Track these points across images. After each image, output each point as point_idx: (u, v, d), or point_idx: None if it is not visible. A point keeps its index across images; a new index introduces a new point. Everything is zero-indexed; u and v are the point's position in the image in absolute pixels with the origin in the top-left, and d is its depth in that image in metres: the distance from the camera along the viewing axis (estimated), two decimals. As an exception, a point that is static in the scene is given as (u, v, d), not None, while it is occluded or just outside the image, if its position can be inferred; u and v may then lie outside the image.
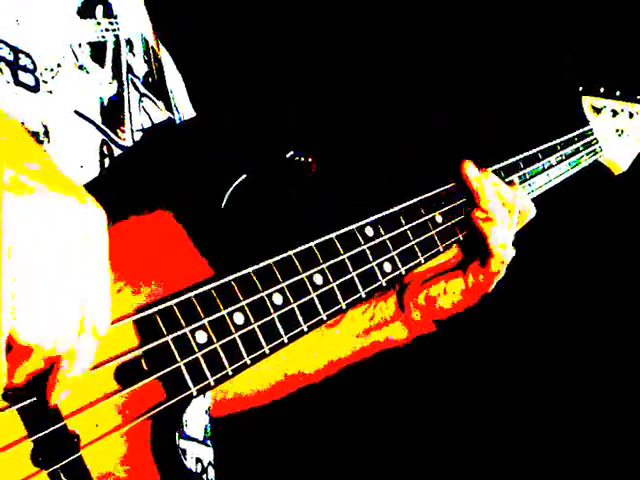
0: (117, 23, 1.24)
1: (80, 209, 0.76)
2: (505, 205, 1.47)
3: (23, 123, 1.03)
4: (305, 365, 1.53)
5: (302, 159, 1.26)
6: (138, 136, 1.22)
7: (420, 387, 2.76)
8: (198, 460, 1.23)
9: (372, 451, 2.73)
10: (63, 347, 0.77)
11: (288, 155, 1.25)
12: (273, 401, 1.56)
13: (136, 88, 1.26)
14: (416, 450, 2.79)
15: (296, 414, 2.41)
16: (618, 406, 2.84)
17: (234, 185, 1.12)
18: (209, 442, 1.29)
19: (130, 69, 1.25)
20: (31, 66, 1.06)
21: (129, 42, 1.27)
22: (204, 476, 1.24)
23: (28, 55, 1.06)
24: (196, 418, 1.26)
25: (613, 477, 2.82)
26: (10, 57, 1.03)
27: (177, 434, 1.03)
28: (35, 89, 1.05)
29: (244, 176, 1.14)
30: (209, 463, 1.27)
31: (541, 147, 1.70)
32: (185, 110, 1.49)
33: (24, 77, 1.05)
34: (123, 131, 1.18)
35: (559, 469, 2.83)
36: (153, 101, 1.29)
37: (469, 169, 1.46)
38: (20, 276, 0.71)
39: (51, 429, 0.90)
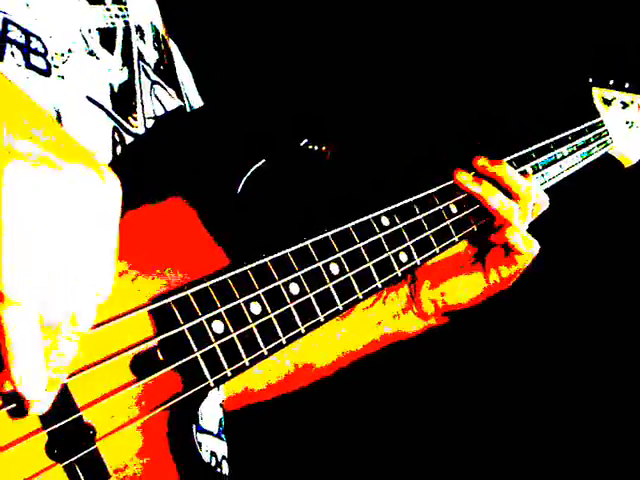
0: (126, 9, 1.22)
1: (97, 181, 0.72)
2: (519, 195, 1.45)
3: None
4: (316, 358, 1.51)
5: (316, 148, 1.24)
6: (150, 123, 1.19)
7: (424, 386, 2.74)
8: (212, 454, 1.21)
9: (381, 445, 2.71)
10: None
11: (302, 143, 1.22)
12: (285, 395, 1.54)
13: (147, 75, 1.23)
14: (419, 449, 2.77)
15: (307, 411, 2.39)
16: (618, 406, 2.83)
17: (253, 169, 1.10)
18: (223, 436, 1.27)
19: (141, 55, 1.23)
20: (42, 50, 1.03)
21: (139, 29, 1.25)
22: (218, 470, 1.22)
23: (39, 38, 1.03)
24: (211, 411, 1.24)
25: (613, 477, 2.81)
26: (22, 40, 1.01)
27: (194, 426, 1.00)
28: (47, 73, 1.03)
29: (263, 160, 1.11)
30: (223, 457, 1.25)
31: (553, 138, 1.68)
32: (194, 100, 1.46)
33: (36, 60, 1.02)
34: (135, 118, 1.16)
35: (559, 469, 2.82)
36: (164, 88, 1.27)
37: (462, 177, 1.44)
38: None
39: (66, 421, 0.88)
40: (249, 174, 1.10)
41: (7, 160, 0.65)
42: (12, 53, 0.99)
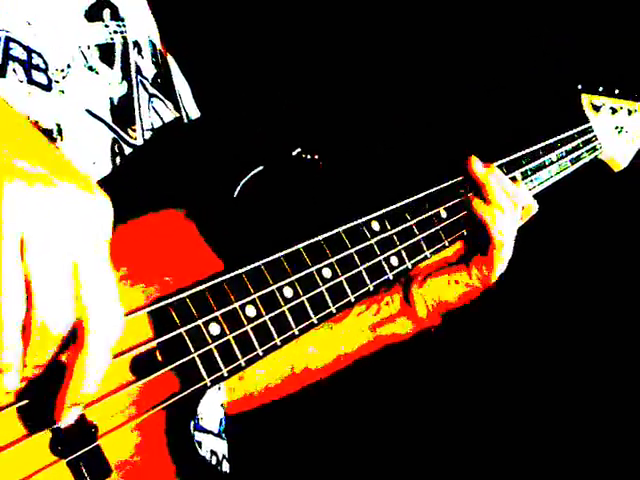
0: (124, 26, 1.26)
1: (88, 199, 0.77)
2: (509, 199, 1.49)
3: (37, 121, 1.05)
4: (312, 361, 1.55)
5: (309, 157, 1.28)
6: (148, 135, 1.24)
7: (422, 385, 2.77)
8: (213, 452, 1.25)
9: (379, 446, 2.74)
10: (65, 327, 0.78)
11: (295, 153, 1.27)
12: (283, 398, 1.58)
13: (145, 89, 1.28)
14: (417, 449, 2.80)
15: (308, 411, 2.42)
16: (618, 406, 2.84)
17: (250, 175, 1.14)
18: (224, 435, 1.31)
19: (139, 70, 1.28)
20: (43, 65, 1.08)
21: (137, 44, 1.30)
22: (219, 468, 1.26)
23: (40, 54, 1.08)
24: (211, 411, 1.27)
25: (613, 477, 2.82)
26: (23, 57, 1.05)
27: (192, 425, 1.04)
28: (48, 88, 1.08)
29: (261, 167, 1.16)
30: (223, 456, 1.28)
31: (542, 144, 1.72)
32: (191, 112, 1.51)
33: (37, 76, 1.07)
34: (134, 130, 1.21)
35: (559, 469, 2.83)
36: (162, 101, 1.32)
37: (475, 165, 1.50)
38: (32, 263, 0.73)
39: (69, 419, 0.92)
40: (247, 178, 1.14)
41: (7, 176, 0.71)
42: (14, 70, 1.04)
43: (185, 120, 1.40)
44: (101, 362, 0.80)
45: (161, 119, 1.29)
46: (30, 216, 0.71)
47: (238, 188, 1.14)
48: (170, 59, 1.49)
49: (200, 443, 1.21)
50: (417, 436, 2.78)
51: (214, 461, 1.25)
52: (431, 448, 2.79)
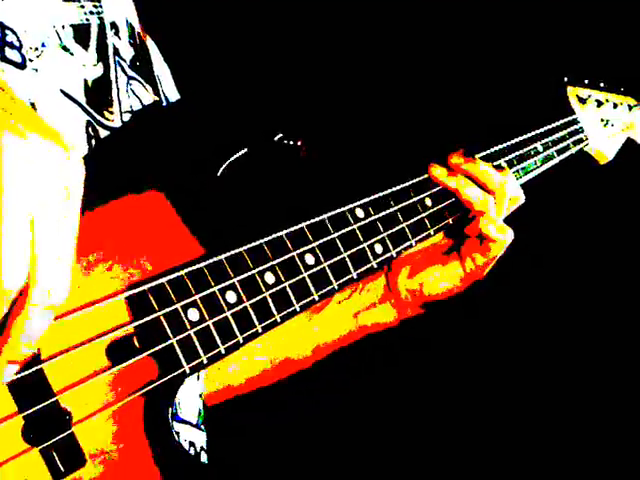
0: (101, 6, 1.24)
1: (60, 154, 0.75)
2: (494, 191, 1.47)
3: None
4: (293, 351, 1.52)
5: (291, 142, 1.25)
6: (127, 117, 1.21)
7: (419, 385, 2.75)
8: (191, 444, 1.22)
9: (364, 443, 2.72)
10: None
11: (277, 138, 1.24)
12: (267, 387, 1.55)
13: (124, 71, 1.25)
14: (415, 449, 2.78)
15: (291, 405, 2.40)
16: (618, 406, 2.84)
17: (235, 156, 1.12)
18: (202, 426, 1.28)
19: (117, 51, 1.25)
20: (17, 43, 1.05)
21: (114, 25, 1.27)
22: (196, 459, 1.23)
23: (14, 32, 1.05)
24: (190, 401, 1.25)
25: (613, 477, 2.82)
26: None
27: (170, 413, 1.01)
28: (22, 66, 1.05)
29: (245, 150, 1.13)
30: (202, 447, 1.26)
31: (528, 134, 1.71)
32: (172, 97, 1.48)
33: (11, 54, 1.04)
34: (111, 112, 1.18)
35: (559, 469, 2.83)
36: (141, 84, 1.29)
37: (436, 172, 1.46)
38: None
39: (42, 405, 0.89)
40: (233, 159, 1.12)
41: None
42: None
43: (164, 104, 1.37)
44: (39, 321, 0.77)
45: (140, 102, 1.26)
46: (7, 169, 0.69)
47: (223, 167, 1.11)
48: (149, 42, 1.46)
49: (178, 434, 1.18)
50: (407, 436, 2.76)
51: (192, 452, 1.22)
52: (420, 449, 2.77)
